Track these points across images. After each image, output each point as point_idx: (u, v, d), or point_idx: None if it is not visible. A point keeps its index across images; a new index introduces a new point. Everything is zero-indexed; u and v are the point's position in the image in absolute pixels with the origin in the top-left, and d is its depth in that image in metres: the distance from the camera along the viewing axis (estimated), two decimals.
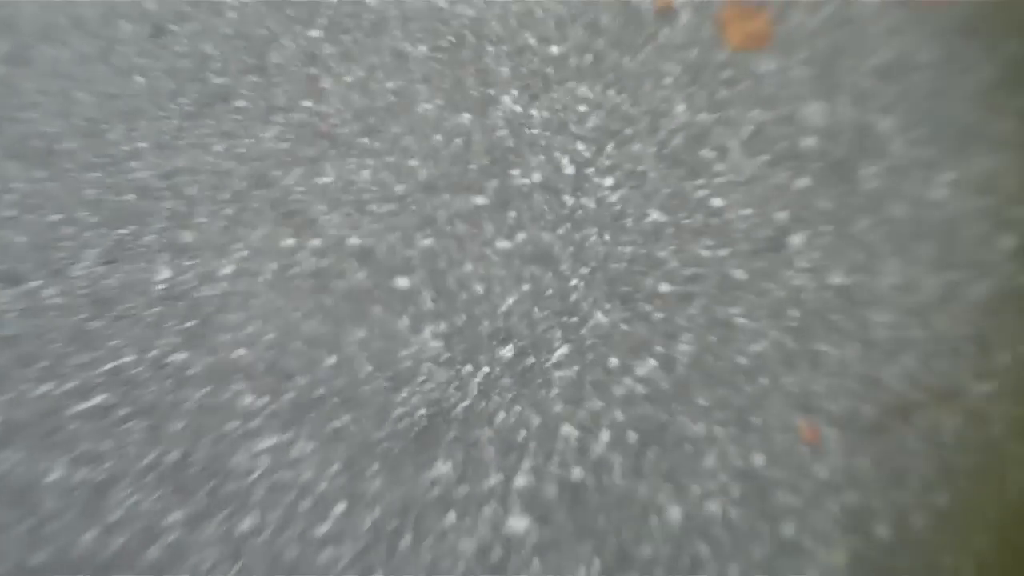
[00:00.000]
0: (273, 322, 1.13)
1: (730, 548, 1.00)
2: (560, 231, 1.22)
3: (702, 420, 1.07)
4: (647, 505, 1.03)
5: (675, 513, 1.02)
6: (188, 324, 1.12)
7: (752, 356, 1.11)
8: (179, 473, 1.01)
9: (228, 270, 1.16)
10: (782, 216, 1.21)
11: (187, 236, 1.18)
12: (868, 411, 1.07)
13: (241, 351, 1.10)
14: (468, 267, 1.20)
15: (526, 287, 1.18)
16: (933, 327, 1.13)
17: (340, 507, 1.00)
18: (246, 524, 0.98)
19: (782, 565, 0.99)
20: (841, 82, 1.35)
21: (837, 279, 1.16)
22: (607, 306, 1.15)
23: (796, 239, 1.19)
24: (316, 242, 1.20)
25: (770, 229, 1.20)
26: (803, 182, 1.23)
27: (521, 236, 1.22)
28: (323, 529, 0.98)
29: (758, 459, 1.05)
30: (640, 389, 1.10)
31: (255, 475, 1.02)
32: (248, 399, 1.07)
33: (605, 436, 1.06)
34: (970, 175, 1.25)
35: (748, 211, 1.21)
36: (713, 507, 1.02)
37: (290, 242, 1.19)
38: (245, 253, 1.17)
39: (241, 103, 1.32)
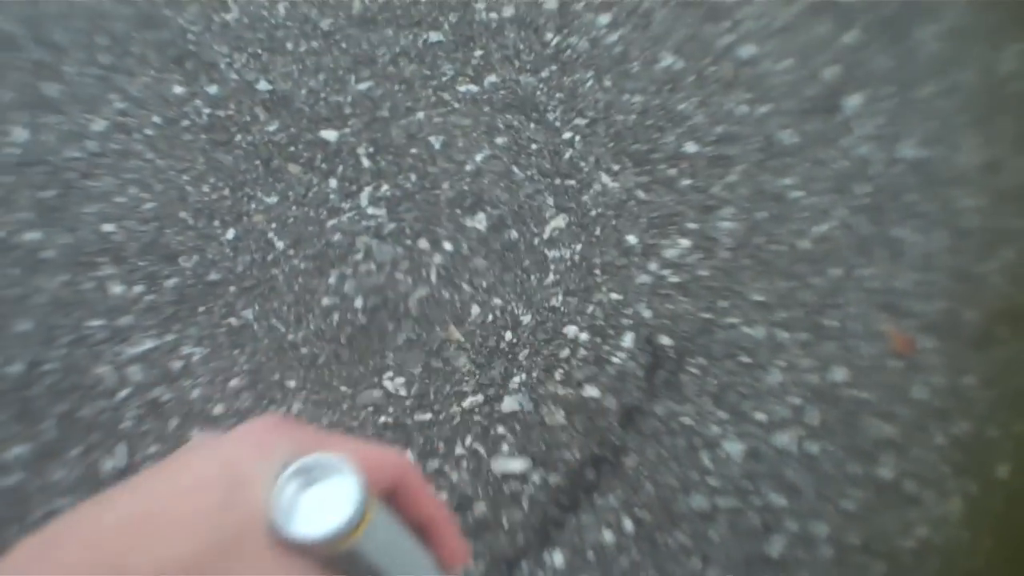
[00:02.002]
0: (153, 189, 0.84)
1: (812, 497, 0.68)
2: (544, 74, 0.88)
3: (760, 321, 0.76)
4: (695, 439, 0.70)
5: (734, 450, 0.70)
6: (45, 195, 0.82)
7: (817, 239, 0.80)
8: (23, 391, 0.69)
9: (99, 127, 0.88)
10: (832, 72, 0.91)
11: (51, 89, 0.89)
12: (970, 316, 0.78)
13: (109, 227, 0.82)
14: (419, 116, 0.85)
15: (501, 140, 0.84)
16: None
17: None
18: (111, 463, 0.67)
19: (882, 519, 0.68)
20: None
21: (909, 151, 0.87)
22: (615, 167, 0.82)
23: (853, 100, 0.90)
24: (213, 89, 0.91)
25: (819, 86, 0.90)
26: (851, 36, 0.94)
27: (491, 79, 0.88)
28: None
29: (839, 374, 0.74)
30: (671, 277, 0.77)
31: (124, 393, 0.70)
32: (117, 289, 0.78)
33: (627, 340, 0.73)
34: None
35: (788, 62, 0.91)
36: (785, 440, 0.71)
37: (179, 90, 0.91)
38: (122, 105, 0.90)
39: None
